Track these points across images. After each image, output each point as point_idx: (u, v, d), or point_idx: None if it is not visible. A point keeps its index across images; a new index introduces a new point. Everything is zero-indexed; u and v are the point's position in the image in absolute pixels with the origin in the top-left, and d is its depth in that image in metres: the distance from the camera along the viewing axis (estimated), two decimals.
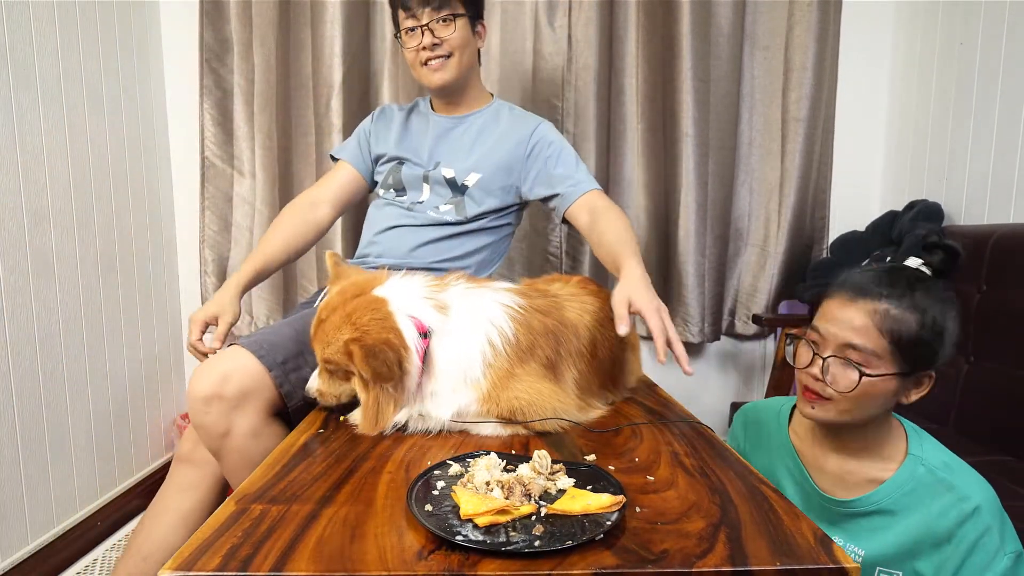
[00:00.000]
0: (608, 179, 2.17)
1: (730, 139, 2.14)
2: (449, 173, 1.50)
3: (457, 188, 1.51)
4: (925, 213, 1.84)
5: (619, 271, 1.19)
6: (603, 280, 2.18)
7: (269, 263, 1.48)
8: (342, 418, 1.04)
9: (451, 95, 1.55)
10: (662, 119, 2.12)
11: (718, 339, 2.21)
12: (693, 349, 2.29)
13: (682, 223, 2.10)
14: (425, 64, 1.48)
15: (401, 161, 1.56)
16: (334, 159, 1.66)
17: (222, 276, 2.23)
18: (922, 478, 0.96)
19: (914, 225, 1.83)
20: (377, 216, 1.57)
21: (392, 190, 1.57)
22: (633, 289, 1.10)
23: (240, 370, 1.12)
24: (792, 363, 1.03)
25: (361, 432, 0.97)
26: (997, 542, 0.91)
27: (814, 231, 2.20)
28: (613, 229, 1.33)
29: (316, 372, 1.06)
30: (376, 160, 1.62)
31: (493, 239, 1.56)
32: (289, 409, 1.17)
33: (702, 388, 2.33)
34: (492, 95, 1.64)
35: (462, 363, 0.99)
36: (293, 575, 0.59)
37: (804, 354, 1.00)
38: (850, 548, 1.00)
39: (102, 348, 1.91)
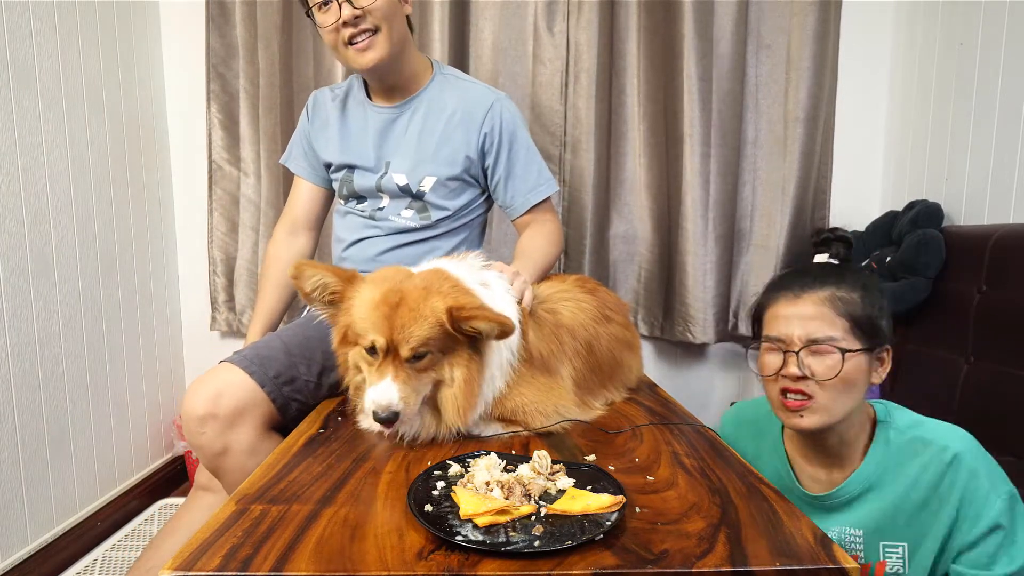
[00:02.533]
0: (609, 179, 2.17)
1: (732, 138, 2.14)
2: (401, 180, 1.38)
3: (413, 195, 1.40)
4: (925, 213, 1.84)
5: None
6: (602, 279, 2.18)
7: (273, 317, 1.53)
8: (362, 426, 0.98)
9: (386, 75, 1.37)
10: (664, 119, 2.12)
11: (722, 340, 2.21)
12: (695, 350, 2.29)
13: (684, 223, 2.10)
14: (350, 43, 1.28)
15: (351, 168, 1.44)
16: (277, 171, 1.61)
17: (230, 276, 2.24)
18: (895, 441, 0.97)
19: (913, 226, 1.83)
20: (341, 227, 1.51)
21: (351, 199, 1.47)
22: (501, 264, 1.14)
23: (232, 388, 1.10)
24: (761, 374, 1.02)
25: (456, 418, 0.92)
26: (986, 486, 0.90)
27: (814, 231, 2.20)
28: (523, 245, 1.39)
29: (385, 385, 0.88)
30: (327, 167, 1.51)
31: (465, 234, 1.49)
32: (287, 422, 1.16)
33: (704, 388, 2.32)
34: (431, 62, 1.46)
35: (501, 348, 0.99)
36: (293, 575, 0.59)
37: (773, 359, 1.00)
38: (848, 532, 1.00)
39: (102, 348, 1.91)
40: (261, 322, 1.52)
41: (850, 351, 0.94)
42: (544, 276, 1.35)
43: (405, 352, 0.88)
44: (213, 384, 1.10)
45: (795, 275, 1.03)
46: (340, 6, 1.24)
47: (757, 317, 1.07)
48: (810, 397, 0.95)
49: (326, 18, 1.27)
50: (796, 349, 0.96)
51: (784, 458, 1.09)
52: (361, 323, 0.92)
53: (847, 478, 1.00)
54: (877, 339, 0.97)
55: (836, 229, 1.08)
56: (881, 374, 0.99)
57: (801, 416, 0.97)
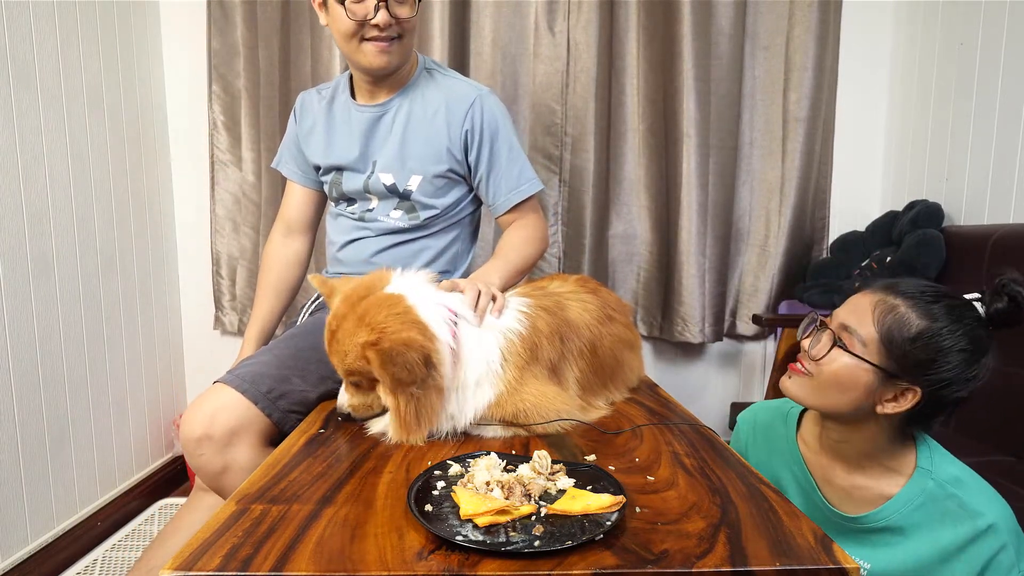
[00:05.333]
0: (609, 179, 2.17)
1: (731, 139, 2.14)
2: (388, 179, 1.38)
3: (400, 195, 1.39)
4: (925, 213, 1.84)
5: None
6: (601, 279, 2.19)
7: (269, 320, 1.53)
8: (367, 430, 0.99)
9: (385, 77, 1.37)
10: (663, 120, 2.12)
11: (720, 340, 2.21)
12: (694, 349, 2.29)
13: (683, 223, 2.10)
14: (367, 40, 1.27)
15: (339, 170, 1.44)
16: (277, 171, 1.60)
17: (232, 275, 2.25)
18: (932, 492, 0.93)
19: (913, 226, 1.83)
20: (334, 229, 1.51)
21: (341, 201, 1.47)
22: (464, 280, 1.13)
23: (226, 408, 1.11)
24: (799, 337, 1.04)
25: (396, 440, 0.94)
26: (1012, 558, 0.89)
27: (814, 231, 2.20)
28: (500, 244, 1.39)
29: (341, 392, 1.02)
30: (316, 169, 1.51)
31: (457, 232, 1.47)
32: (286, 434, 1.15)
33: (703, 388, 2.33)
34: (417, 57, 1.44)
35: (486, 353, 0.98)
36: (293, 575, 0.59)
37: (807, 329, 1.02)
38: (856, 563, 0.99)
39: (102, 348, 1.91)
40: (258, 326, 1.52)
41: (847, 351, 0.93)
42: (522, 276, 1.35)
43: (342, 377, 0.98)
44: (207, 406, 1.11)
45: (905, 280, 0.98)
46: (377, 9, 1.23)
47: None
48: (803, 374, 0.98)
49: (357, 9, 1.23)
50: (825, 326, 0.98)
51: (802, 463, 1.08)
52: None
53: (874, 502, 0.98)
54: (901, 372, 0.90)
55: (1018, 282, 0.93)
56: (888, 408, 0.92)
57: (789, 378, 1.00)
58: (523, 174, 1.41)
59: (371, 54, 1.28)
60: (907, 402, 0.91)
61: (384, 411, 0.99)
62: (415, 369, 0.88)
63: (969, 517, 0.91)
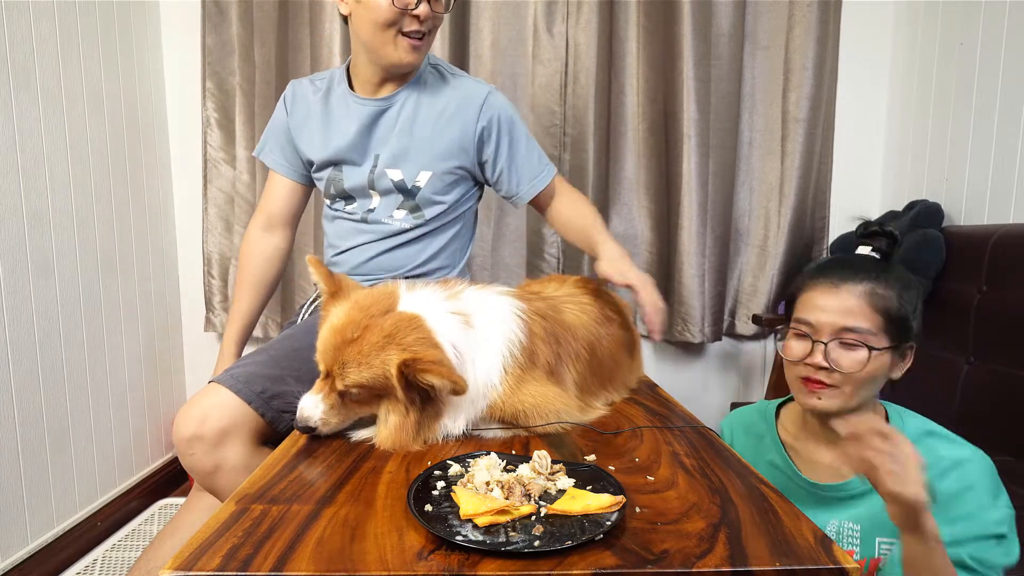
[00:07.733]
0: (608, 179, 2.17)
1: (730, 139, 2.14)
2: (396, 175, 1.36)
3: (408, 192, 1.37)
4: (925, 213, 1.84)
5: (596, 249, 1.30)
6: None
7: (249, 317, 1.52)
8: (353, 437, 0.97)
9: (404, 71, 1.36)
10: (663, 120, 2.12)
11: (719, 339, 2.21)
12: (694, 349, 2.29)
13: (683, 223, 2.11)
14: (402, 34, 1.27)
15: (338, 165, 1.40)
16: (260, 161, 1.54)
17: (225, 275, 2.24)
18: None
19: (913, 226, 1.83)
20: (332, 233, 1.47)
21: (339, 200, 1.43)
22: (623, 263, 1.17)
23: (218, 407, 1.10)
24: (786, 357, 1.03)
25: (390, 448, 0.92)
26: (987, 499, 0.90)
27: (814, 231, 2.21)
28: (580, 214, 1.41)
29: (313, 402, 0.93)
30: (309, 165, 1.45)
31: (459, 227, 1.46)
32: (282, 435, 1.14)
33: (702, 388, 2.33)
34: None
35: (484, 375, 0.97)
36: (293, 575, 0.59)
37: (799, 346, 1.01)
38: (847, 527, 1.00)
39: (102, 348, 1.91)
40: (237, 325, 1.50)
41: (878, 349, 0.95)
42: None
43: (339, 386, 0.92)
44: (200, 406, 1.11)
45: (836, 265, 1.02)
46: (419, 2, 1.23)
47: (790, 299, 1.07)
48: (832, 386, 0.97)
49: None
50: (825, 340, 0.97)
51: (781, 450, 1.09)
52: (319, 341, 0.95)
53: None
54: (905, 337, 0.98)
55: (883, 223, 1.05)
56: (902, 369, 1.00)
57: (819, 399, 0.99)
58: (541, 160, 1.44)
59: (404, 49, 1.28)
60: (910, 359, 1.00)
61: (350, 425, 0.97)
62: (444, 390, 0.89)
63: (939, 460, 0.93)
